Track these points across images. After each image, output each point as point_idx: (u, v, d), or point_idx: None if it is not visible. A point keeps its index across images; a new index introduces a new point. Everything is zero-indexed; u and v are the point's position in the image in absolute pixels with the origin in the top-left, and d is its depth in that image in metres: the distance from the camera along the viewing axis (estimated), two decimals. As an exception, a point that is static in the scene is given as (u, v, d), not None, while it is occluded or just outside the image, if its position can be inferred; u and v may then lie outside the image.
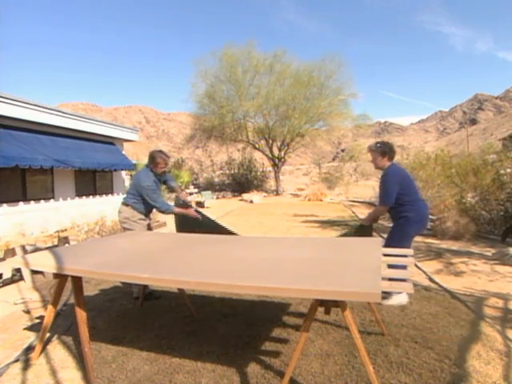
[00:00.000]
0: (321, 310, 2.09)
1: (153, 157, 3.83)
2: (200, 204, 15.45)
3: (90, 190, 9.52)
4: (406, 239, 3.31)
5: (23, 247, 4.75)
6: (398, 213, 3.33)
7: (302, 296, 1.74)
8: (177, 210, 3.87)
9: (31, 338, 2.84)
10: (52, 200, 8.16)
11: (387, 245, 3.18)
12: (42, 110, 7.57)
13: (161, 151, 3.97)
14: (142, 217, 3.88)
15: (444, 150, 9.74)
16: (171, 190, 4.31)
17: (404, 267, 2.95)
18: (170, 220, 10.06)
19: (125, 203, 3.87)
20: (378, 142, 3.50)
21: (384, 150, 3.40)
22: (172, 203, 4.02)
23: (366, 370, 1.83)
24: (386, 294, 3.28)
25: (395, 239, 3.27)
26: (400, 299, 3.26)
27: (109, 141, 10.14)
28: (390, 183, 3.30)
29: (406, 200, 3.28)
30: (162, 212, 3.87)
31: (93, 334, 2.54)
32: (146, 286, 3.46)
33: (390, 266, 2.79)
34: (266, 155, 24.07)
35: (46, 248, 4.81)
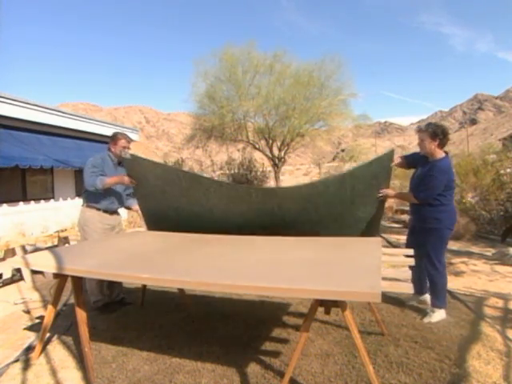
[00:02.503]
0: (321, 309, 2.09)
1: (113, 134, 3.54)
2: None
3: (90, 190, 9.51)
4: (445, 246, 3.06)
5: (23, 247, 4.75)
6: (431, 212, 2.98)
7: (302, 296, 1.74)
8: (106, 180, 3.23)
9: (31, 337, 2.84)
10: (52, 200, 8.17)
11: (427, 254, 2.97)
12: (42, 110, 7.57)
13: (122, 132, 3.69)
14: (102, 220, 3.38)
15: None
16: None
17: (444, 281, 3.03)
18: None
19: (83, 203, 3.44)
20: (429, 123, 3.08)
21: (435, 132, 2.92)
22: (100, 176, 3.26)
23: (366, 369, 1.84)
24: (427, 312, 3.05)
25: (436, 248, 2.99)
26: (441, 316, 2.98)
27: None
28: (437, 182, 2.91)
29: (443, 201, 2.97)
30: (92, 188, 3.23)
31: (93, 334, 2.54)
32: (144, 291, 3.46)
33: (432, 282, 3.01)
34: (266, 155, 24.03)
35: (46, 248, 4.81)
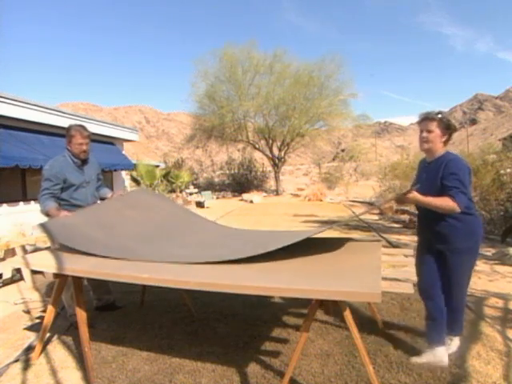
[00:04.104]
0: (321, 310, 2.09)
1: (67, 130, 3.12)
2: (200, 204, 15.46)
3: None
4: (471, 273, 2.32)
5: (23, 247, 4.75)
6: (458, 228, 2.18)
7: (302, 296, 1.74)
8: (51, 210, 2.87)
9: (31, 338, 2.84)
10: (52, 200, 8.17)
11: (450, 283, 2.26)
12: (42, 110, 7.57)
13: (79, 125, 3.19)
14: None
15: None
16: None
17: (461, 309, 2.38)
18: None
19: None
20: (439, 111, 2.30)
21: (449, 125, 2.25)
22: (50, 201, 2.95)
23: (366, 369, 1.84)
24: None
25: (464, 274, 2.26)
26: (457, 344, 2.45)
27: (109, 141, 10.13)
28: (465, 177, 2.13)
29: (471, 207, 2.23)
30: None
31: (93, 334, 2.54)
32: (144, 291, 3.46)
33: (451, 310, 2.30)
34: (266, 155, 24.11)
35: (46, 248, 4.81)
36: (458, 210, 2.09)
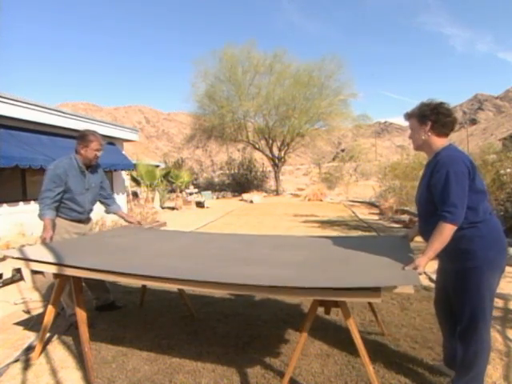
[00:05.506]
0: (321, 309, 2.09)
1: (84, 135, 3.13)
2: (200, 204, 15.46)
3: (90, 190, 9.50)
4: (490, 295, 1.86)
5: (23, 247, 4.75)
6: (457, 242, 1.79)
7: (302, 296, 1.74)
8: (46, 221, 2.90)
9: (31, 338, 2.84)
10: (52, 200, 8.15)
11: (460, 311, 1.89)
12: (42, 110, 7.56)
13: (94, 131, 3.24)
14: (71, 229, 3.14)
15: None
16: (102, 199, 3.43)
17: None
18: (170, 220, 10.04)
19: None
20: (420, 103, 2.00)
21: (423, 113, 1.93)
22: (49, 211, 2.95)
23: (366, 370, 1.84)
24: None
25: (474, 301, 1.83)
26: None
27: (109, 141, 10.13)
28: (458, 180, 1.76)
29: (472, 216, 1.80)
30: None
31: (93, 334, 2.54)
32: (144, 291, 3.46)
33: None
34: (266, 155, 24.15)
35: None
36: (457, 226, 1.76)
